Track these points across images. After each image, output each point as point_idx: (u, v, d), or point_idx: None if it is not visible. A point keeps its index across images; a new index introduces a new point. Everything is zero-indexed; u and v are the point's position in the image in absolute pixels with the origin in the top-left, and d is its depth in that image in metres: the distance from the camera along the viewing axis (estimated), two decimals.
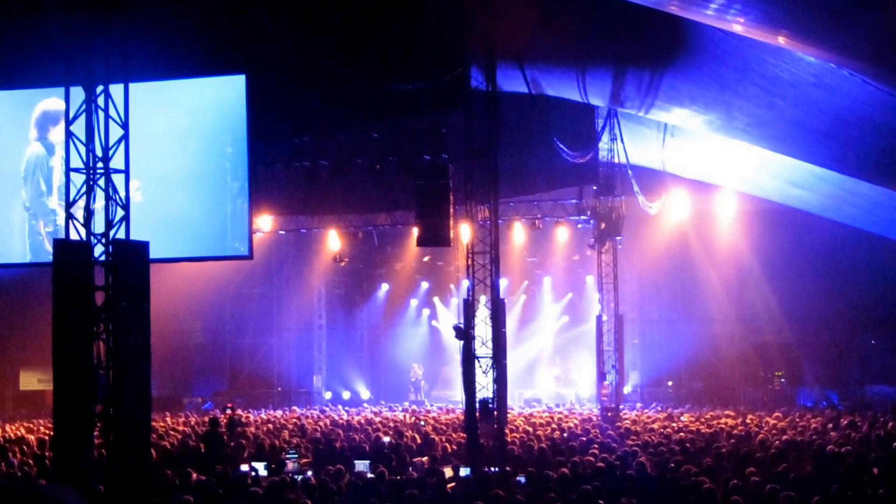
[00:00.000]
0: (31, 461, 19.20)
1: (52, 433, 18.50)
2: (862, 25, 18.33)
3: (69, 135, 15.35)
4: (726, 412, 28.62)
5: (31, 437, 23.33)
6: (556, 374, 40.02)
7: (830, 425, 23.29)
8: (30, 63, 20.60)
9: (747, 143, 26.12)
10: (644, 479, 15.85)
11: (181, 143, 21.62)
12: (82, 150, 15.31)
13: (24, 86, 21.31)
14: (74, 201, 15.34)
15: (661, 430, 23.51)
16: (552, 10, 21.89)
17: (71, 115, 15.43)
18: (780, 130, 24.48)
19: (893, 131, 22.09)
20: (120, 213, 15.38)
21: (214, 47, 22.00)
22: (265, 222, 33.27)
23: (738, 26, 20.02)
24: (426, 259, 40.13)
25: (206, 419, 25.67)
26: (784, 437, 20.48)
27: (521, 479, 16.56)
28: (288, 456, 19.81)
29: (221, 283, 37.78)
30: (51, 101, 20.59)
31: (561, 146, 26.52)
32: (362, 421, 27.16)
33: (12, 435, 24.34)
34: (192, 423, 27.43)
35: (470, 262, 23.76)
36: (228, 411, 25.42)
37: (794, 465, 16.59)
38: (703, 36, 21.57)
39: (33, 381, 36.26)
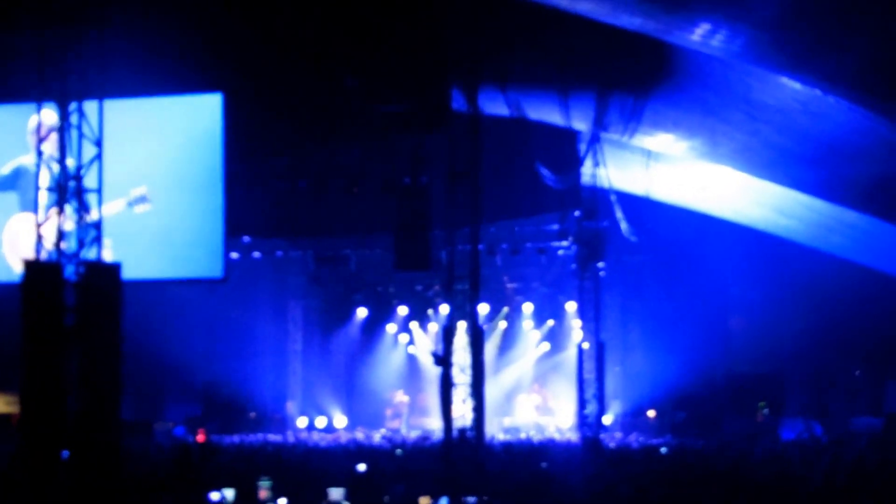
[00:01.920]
0: None
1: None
2: (848, 52, 18.29)
3: (40, 152, 15.06)
4: (709, 443, 28.31)
5: None
6: (535, 403, 39.67)
7: (815, 458, 23.01)
8: (4, 79, 20.33)
9: (732, 169, 25.99)
10: None
11: (156, 162, 21.31)
12: (55, 167, 14.99)
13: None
14: (45, 220, 15.02)
15: (644, 460, 23.26)
16: (535, 33, 21.77)
17: (43, 131, 15.14)
18: (766, 157, 24.37)
19: (880, 159, 22.03)
20: (92, 233, 15.06)
21: (191, 65, 21.75)
22: (240, 244, 32.94)
23: (723, 52, 19.95)
24: (405, 283, 39.79)
25: (178, 445, 25.30)
26: (769, 470, 20.22)
27: None
28: (261, 483, 19.45)
29: (195, 306, 37.27)
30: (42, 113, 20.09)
31: (543, 170, 26.28)
32: (337, 448, 26.82)
33: None
34: (164, 448, 27.03)
35: (449, 287, 23.49)
36: (200, 437, 25.07)
37: (780, 498, 16.36)
38: (687, 61, 21.51)
39: (1, 403, 35.71)
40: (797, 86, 20.51)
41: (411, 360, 41.86)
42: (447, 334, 23.07)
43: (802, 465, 21.58)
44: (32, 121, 18.03)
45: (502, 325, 40.69)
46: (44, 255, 14.87)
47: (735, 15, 18.70)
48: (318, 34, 22.07)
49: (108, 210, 19.27)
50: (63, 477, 14.65)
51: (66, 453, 14.68)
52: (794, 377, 36.62)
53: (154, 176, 21.19)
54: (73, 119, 14.94)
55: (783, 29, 18.62)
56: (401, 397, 40.18)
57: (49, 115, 15.29)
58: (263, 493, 18.59)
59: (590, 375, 30.62)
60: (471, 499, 17.85)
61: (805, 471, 20.52)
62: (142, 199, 20.71)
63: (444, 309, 24.90)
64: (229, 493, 18.37)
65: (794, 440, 30.52)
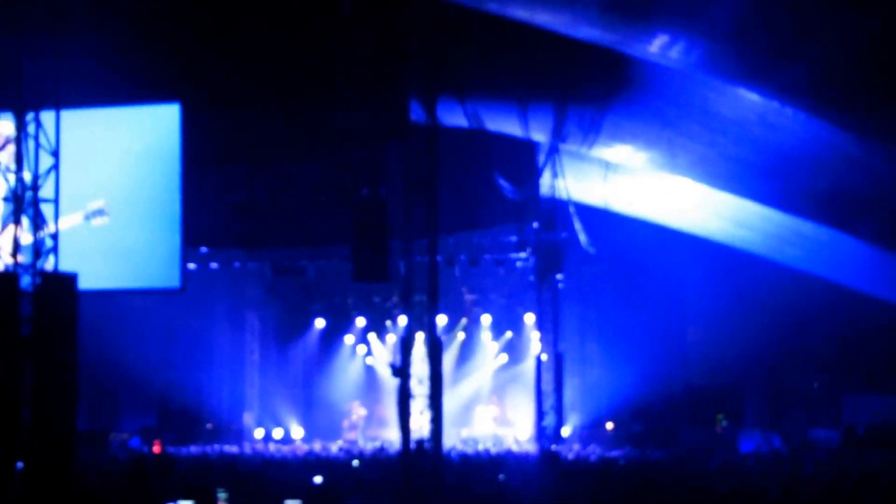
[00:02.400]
0: None
1: None
2: (804, 64, 18.41)
3: None
4: (667, 455, 28.34)
5: None
6: (493, 414, 39.58)
7: (773, 470, 23.10)
8: None
9: (690, 181, 26.07)
10: None
11: (114, 172, 21.16)
12: (11, 178, 14.88)
13: None
14: (1, 231, 14.91)
15: (601, 472, 23.24)
16: (494, 45, 21.78)
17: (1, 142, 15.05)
18: (723, 169, 24.46)
19: (836, 170, 22.17)
20: (49, 243, 14.96)
21: (149, 75, 21.63)
22: (198, 255, 32.80)
23: (681, 64, 20.02)
24: (363, 294, 39.65)
25: (133, 456, 25.14)
26: (727, 482, 20.24)
27: None
28: (219, 495, 19.34)
29: (152, 316, 37.06)
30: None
31: (502, 182, 26.29)
32: (294, 459, 26.70)
33: None
34: (119, 459, 26.85)
35: (407, 298, 23.47)
36: (156, 448, 24.91)
37: None
38: (646, 72, 21.58)
39: None
40: (754, 97, 20.63)
41: (369, 372, 41.70)
42: (405, 345, 23.05)
43: (760, 477, 21.65)
44: None
45: (460, 336, 40.58)
46: (0, 266, 14.75)
47: (692, 27, 18.77)
48: (276, 45, 22.02)
49: (65, 223, 19.13)
50: (18, 488, 14.52)
51: (20, 464, 14.57)
52: (752, 389, 36.74)
53: (112, 186, 21.01)
54: (30, 129, 14.83)
55: (740, 41, 18.73)
56: (358, 409, 40.02)
57: (5, 126, 15.18)
58: None
59: (548, 387, 30.65)
60: None
61: (763, 483, 20.59)
62: (99, 213, 20.54)
63: (403, 320, 24.82)
64: None
65: (753, 452, 30.60)
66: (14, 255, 14.60)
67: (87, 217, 20.43)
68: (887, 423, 32.10)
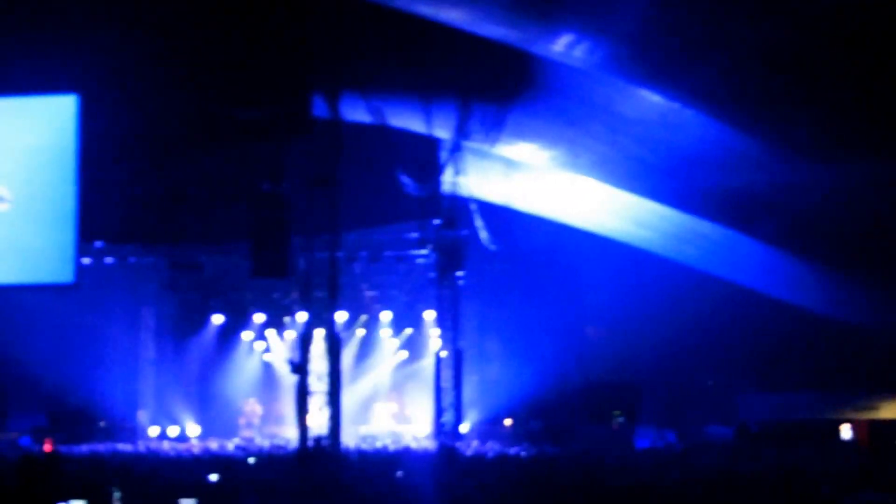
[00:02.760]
0: None
1: None
2: (704, 66, 18.57)
3: None
4: (564, 451, 28.42)
5: None
6: (392, 411, 39.53)
7: (667, 466, 23.23)
8: None
9: (592, 179, 26.16)
10: None
11: (7, 163, 20.73)
12: None
13: None
14: None
15: (500, 469, 23.21)
16: (398, 40, 21.67)
17: None
18: (624, 168, 24.62)
19: (735, 171, 22.47)
20: None
21: (46, 65, 21.23)
22: (93, 249, 32.29)
23: (584, 64, 20.08)
24: (262, 290, 39.35)
25: (23, 455, 24.60)
26: (623, 477, 20.32)
27: None
28: (111, 494, 19.03)
29: (43, 311, 36.41)
30: None
31: (404, 178, 26.17)
32: (189, 457, 26.39)
33: None
34: (8, 459, 26.32)
35: (307, 294, 23.32)
36: (47, 447, 24.45)
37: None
38: (550, 72, 21.63)
39: None
40: (656, 98, 20.75)
41: (267, 368, 41.41)
42: (304, 342, 22.92)
43: (655, 473, 21.79)
44: None
45: (360, 333, 40.45)
46: None
47: (596, 27, 18.83)
48: (177, 37, 21.71)
49: None
50: None
51: None
52: (648, 386, 36.97)
53: (5, 177, 20.61)
54: None
55: (643, 43, 18.83)
56: (255, 406, 39.71)
57: None
58: None
59: (447, 384, 30.58)
60: None
61: (658, 478, 20.73)
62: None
63: (302, 316, 24.65)
64: None
65: (648, 448, 30.84)
66: None
67: None
68: (779, 420, 32.61)
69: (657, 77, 20.19)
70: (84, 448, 31.74)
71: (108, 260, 34.33)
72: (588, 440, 33.68)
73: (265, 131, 23.00)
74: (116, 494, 19.04)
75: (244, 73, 21.93)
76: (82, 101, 20.32)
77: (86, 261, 31.10)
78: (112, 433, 37.79)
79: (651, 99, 20.92)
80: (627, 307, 34.79)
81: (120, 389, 39.92)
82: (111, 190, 26.45)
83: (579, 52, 19.46)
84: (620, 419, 36.78)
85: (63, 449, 28.99)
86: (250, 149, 25.06)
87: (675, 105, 20.71)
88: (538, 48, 20.44)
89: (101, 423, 38.67)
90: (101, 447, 32.09)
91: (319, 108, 22.67)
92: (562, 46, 19.43)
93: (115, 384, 39.85)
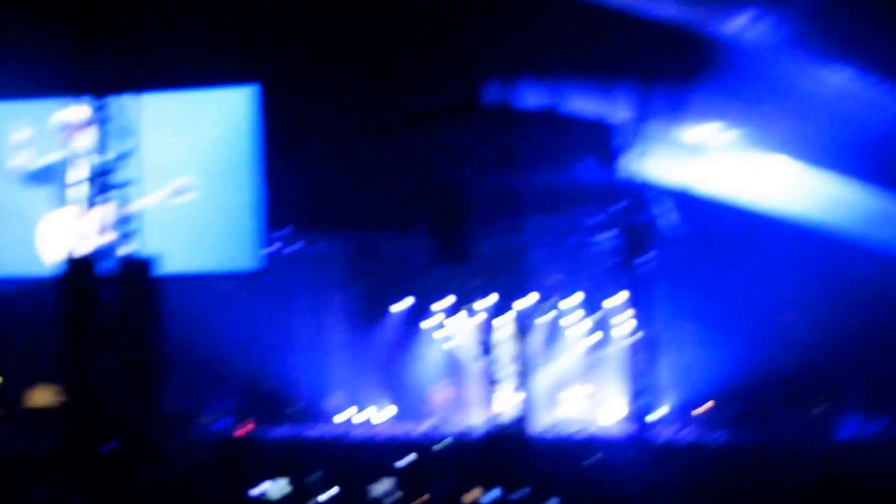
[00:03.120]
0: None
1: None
2: (893, 39, 18.13)
3: (75, 147, 15.13)
4: (765, 438, 28.02)
5: None
6: (583, 396, 39.42)
7: (874, 455, 22.73)
8: (39, 73, 20.34)
9: (779, 160, 25.77)
10: None
11: (193, 155, 21.30)
12: (91, 161, 15.03)
13: (33, 96, 21.08)
14: (82, 214, 15.06)
15: (697, 455, 23.04)
16: (571, 23, 21.63)
17: (79, 125, 15.22)
18: (814, 147, 24.20)
19: None
20: (130, 226, 15.08)
21: (227, 57, 21.74)
22: (279, 236, 32.99)
23: (767, 41, 19.80)
24: (445, 277, 39.64)
25: (220, 438, 25.35)
26: (828, 467, 19.95)
27: (552, 502, 16.20)
28: (308, 476, 19.51)
29: (235, 298, 37.34)
30: (73, 110, 20.05)
31: (585, 162, 26.13)
32: (383, 440, 26.78)
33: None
34: (206, 442, 27.08)
35: (491, 280, 23.46)
36: (243, 430, 25.09)
37: (839, 496, 16.14)
38: (732, 50, 21.32)
39: (43, 397, 35.89)
40: (845, 74, 20.31)
41: (453, 354, 41.74)
42: (489, 328, 23.01)
43: (860, 463, 21.36)
44: (67, 115, 18.09)
45: (547, 318, 40.48)
46: (81, 250, 14.89)
47: (778, 3, 18.54)
48: (353, 27, 22.00)
49: (149, 202, 19.36)
50: (104, 471, 14.68)
51: (107, 447, 14.72)
52: (851, 373, 36.16)
53: (192, 169, 21.19)
54: (109, 112, 14.95)
55: (828, 16, 18.45)
56: (442, 391, 40.05)
57: (84, 110, 15.32)
58: (310, 486, 18.57)
59: (639, 369, 30.43)
60: (518, 492, 17.78)
61: (863, 468, 20.31)
62: (183, 191, 20.71)
63: (486, 302, 24.80)
64: (273, 487, 18.37)
65: (852, 438, 30.20)
66: (94, 239, 14.73)
67: (171, 195, 20.61)
68: None
69: (844, 52, 19.78)
70: (278, 431, 32.50)
71: (294, 246, 35.03)
72: (788, 428, 33.19)
73: (441, 118, 23.18)
74: (315, 475, 19.51)
75: (419, 61, 22.12)
76: (263, 91, 20.73)
77: (272, 248, 31.82)
78: (304, 417, 38.57)
79: (839, 74, 20.52)
80: (826, 289, 34.04)
81: (310, 374, 40.70)
82: (294, 177, 27.03)
83: (761, 30, 19.19)
84: (822, 406, 36.10)
85: (258, 432, 29.74)
86: (427, 136, 25.30)
87: (866, 79, 20.28)
88: (718, 27, 20.22)
89: (294, 407, 39.50)
90: (295, 430, 32.80)
91: (495, 94, 22.73)
92: (742, 24, 19.19)
93: (305, 369, 40.65)
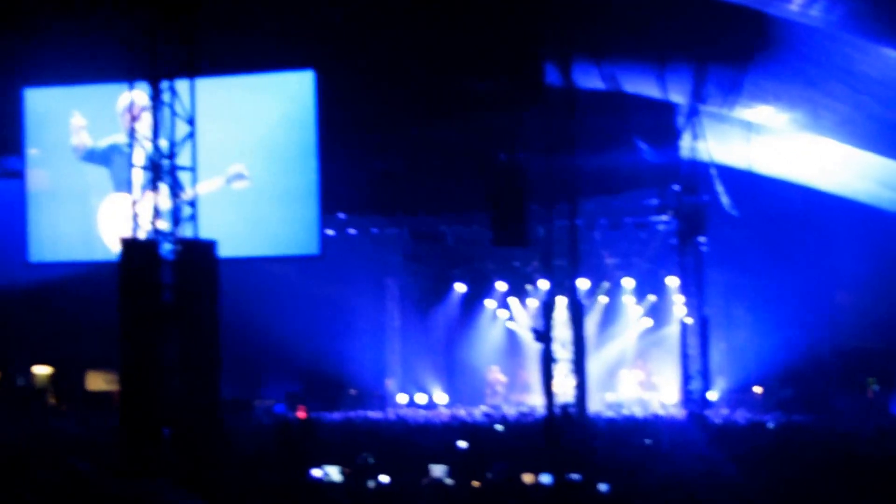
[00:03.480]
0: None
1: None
2: None
3: (133, 131, 15.22)
4: (817, 420, 27.88)
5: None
6: (638, 379, 39.36)
7: None
8: (101, 58, 20.47)
9: (835, 141, 25.61)
10: (734, 489, 15.40)
11: (251, 140, 21.37)
12: (148, 146, 15.12)
13: (95, 81, 21.23)
14: (140, 198, 15.16)
15: (751, 438, 22.95)
16: (630, 4, 21.57)
17: (136, 110, 15.32)
18: (869, 129, 24.00)
19: None
20: (187, 210, 15.17)
21: (283, 42, 21.79)
22: (336, 221, 33.11)
23: (822, 22, 19.67)
24: (503, 259, 39.68)
25: (279, 422, 25.49)
26: (880, 448, 19.80)
27: (605, 486, 16.17)
28: (364, 459, 19.55)
29: (293, 283, 37.50)
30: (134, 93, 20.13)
31: (641, 144, 26.05)
32: (438, 424, 26.84)
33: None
34: (265, 425, 27.25)
35: (548, 263, 23.44)
36: (301, 414, 25.22)
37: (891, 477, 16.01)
38: (787, 32, 21.22)
39: (100, 382, 36.21)
40: None
41: (511, 336, 41.75)
42: (547, 310, 23.03)
43: None
44: (125, 99, 18.22)
45: (603, 300, 40.41)
46: (140, 234, 15.00)
47: None
48: (410, 11, 21.98)
49: (207, 187, 19.49)
50: (166, 455, 14.78)
51: (168, 431, 14.81)
52: None
53: (249, 154, 21.30)
54: (166, 97, 15.03)
55: None
56: (498, 374, 40.09)
57: (142, 94, 15.41)
58: (365, 470, 18.60)
59: (693, 351, 30.36)
60: (575, 475, 17.78)
61: None
62: (240, 176, 20.82)
63: (544, 284, 24.79)
64: (332, 470, 18.46)
65: None
66: (153, 222, 14.83)
67: (229, 181, 20.72)
68: None
69: None
70: (336, 415, 32.68)
71: (352, 231, 35.15)
72: (842, 409, 33.02)
73: (500, 101, 23.15)
74: (369, 460, 19.58)
75: (478, 43, 22.10)
76: (320, 76, 20.73)
77: (330, 232, 31.94)
78: (362, 400, 38.76)
79: (894, 56, 20.36)
80: (879, 271, 33.88)
81: (368, 358, 40.89)
82: (352, 162, 27.08)
83: (816, 11, 19.03)
84: (876, 387, 35.88)
85: (316, 416, 29.90)
86: (486, 119, 25.26)
87: None
88: (774, 8, 20.05)
89: (352, 391, 39.69)
90: (352, 414, 32.98)
91: (553, 76, 22.68)
92: (798, 5, 19.03)
93: (363, 353, 40.84)
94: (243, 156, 21.25)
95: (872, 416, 29.71)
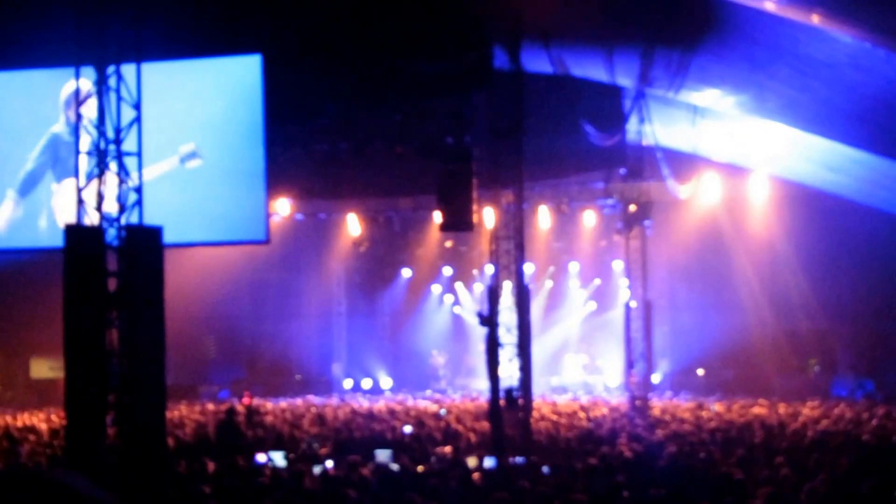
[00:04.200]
0: (43, 450, 18.96)
1: (63, 422, 18.16)
2: (894, 3, 18.10)
3: (79, 117, 15.00)
4: (758, 402, 28.09)
5: (43, 427, 23.10)
6: (582, 362, 39.55)
7: (866, 415, 22.76)
8: (42, 43, 20.17)
9: (780, 124, 25.73)
10: (674, 470, 15.43)
11: (197, 125, 21.12)
12: (93, 132, 14.91)
13: (34, 66, 20.91)
14: (86, 185, 14.95)
15: (692, 419, 23.08)
16: None
17: (81, 96, 15.10)
18: (814, 112, 24.09)
19: None
20: (133, 196, 14.97)
21: (230, 26, 21.55)
22: (283, 206, 33.01)
23: (770, 5, 19.72)
24: (449, 244, 39.73)
25: (223, 408, 25.39)
26: (818, 428, 19.96)
27: (547, 469, 16.17)
28: (310, 446, 19.51)
29: (238, 269, 37.46)
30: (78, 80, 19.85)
31: (588, 128, 26.05)
32: (383, 410, 26.84)
33: (21, 424, 24.20)
34: (209, 412, 27.15)
35: (494, 247, 23.39)
36: (246, 400, 25.12)
37: (829, 456, 16.14)
38: (734, 15, 21.28)
39: (45, 368, 36.01)
40: (846, 39, 20.24)
41: (456, 321, 41.84)
42: (492, 294, 22.95)
43: (853, 422, 21.44)
44: (69, 86, 17.96)
45: (548, 284, 40.57)
46: (86, 220, 14.80)
47: None
48: None
49: (161, 169, 19.31)
50: (109, 441, 14.63)
51: (110, 419, 14.66)
52: (844, 334, 36.34)
53: (195, 139, 21.00)
54: (112, 83, 14.82)
55: None
56: (442, 358, 40.18)
57: (89, 80, 15.19)
58: (309, 456, 18.52)
59: (637, 334, 30.49)
60: (518, 459, 17.79)
61: (855, 427, 20.39)
62: (193, 155, 20.56)
63: (490, 269, 24.77)
64: (277, 456, 18.39)
65: (846, 397, 30.33)
66: (99, 209, 14.63)
67: (182, 160, 20.49)
68: None
69: (846, 16, 19.70)
70: (281, 401, 32.62)
71: (298, 216, 35.07)
72: (783, 389, 33.32)
73: (448, 84, 23.02)
74: (314, 446, 19.51)
75: (426, 26, 21.97)
76: (266, 61, 20.48)
77: (276, 218, 31.82)
78: (308, 386, 38.74)
79: (840, 40, 20.44)
80: (821, 253, 34.20)
81: (314, 344, 40.89)
82: (298, 147, 26.92)
83: None
84: (816, 368, 36.24)
85: (261, 401, 29.86)
86: (434, 102, 25.14)
87: (866, 45, 20.18)
88: None
89: (297, 377, 39.68)
90: (297, 400, 32.94)
91: (501, 59, 22.61)
92: None
93: (309, 338, 40.84)
94: (189, 140, 20.96)
95: (812, 396, 30.00)
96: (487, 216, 25.88)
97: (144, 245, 14.80)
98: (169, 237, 15.16)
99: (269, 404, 30.07)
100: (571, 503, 12.54)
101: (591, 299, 40.46)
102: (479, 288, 39.32)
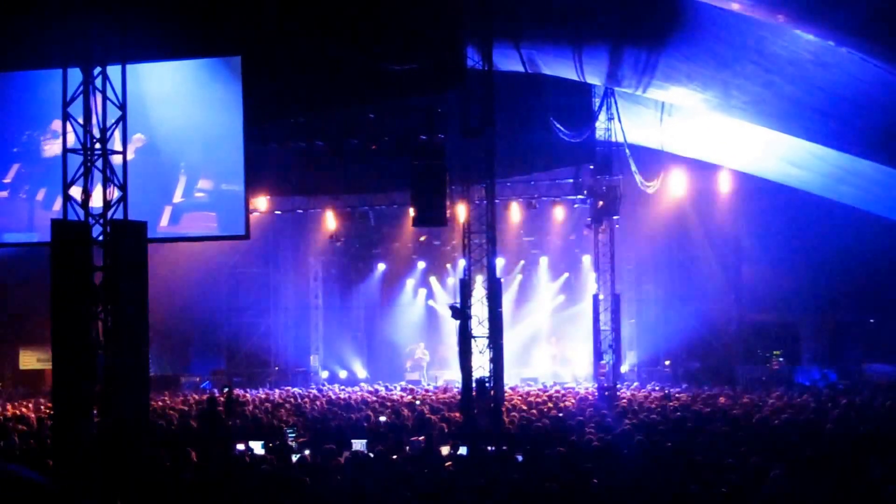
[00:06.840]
0: (31, 440, 19.16)
1: (51, 411, 18.49)
2: (859, 3, 18.30)
3: (66, 116, 15.33)
4: (723, 392, 28.51)
5: (32, 416, 23.31)
6: (552, 354, 39.95)
7: (829, 404, 23.13)
8: (28, 44, 20.37)
9: (745, 121, 26.04)
10: (641, 458, 15.78)
11: (178, 124, 21.38)
12: (80, 130, 15.26)
13: (21, 67, 21.12)
14: (72, 182, 15.30)
15: (659, 409, 23.37)
16: None
17: (68, 95, 15.41)
18: (779, 109, 24.40)
19: (892, 109, 22.05)
20: (117, 193, 15.33)
21: (210, 28, 21.78)
22: (261, 202, 33.39)
23: (736, 4, 19.97)
24: (422, 239, 40.09)
25: (205, 398, 25.65)
26: (782, 417, 20.33)
27: (519, 458, 16.50)
28: (287, 435, 19.75)
29: (219, 263, 37.81)
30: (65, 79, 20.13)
31: (557, 125, 26.42)
32: (359, 400, 27.11)
33: (11, 414, 24.36)
34: (191, 402, 27.40)
35: (466, 241, 23.71)
36: (226, 390, 25.37)
37: (792, 445, 16.53)
38: (701, 14, 21.52)
39: (33, 360, 36.32)
40: (810, 37, 20.52)
41: (430, 314, 42.22)
42: (464, 288, 23.30)
43: (816, 412, 21.76)
44: (58, 85, 18.27)
45: (519, 278, 40.98)
46: (73, 216, 15.13)
47: None
48: None
49: (136, 168, 19.59)
50: (93, 431, 14.94)
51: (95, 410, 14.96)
52: (808, 326, 36.87)
53: (178, 138, 21.28)
54: (98, 83, 15.16)
55: None
56: (419, 350, 40.51)
57: (75, 80, 15.49)
58: (288, 444, 18.82)
59: (606, 327, 30.95)
60: (489, 448, 18.09)
61: (819, 416, 20.71)
62: (165, 155, 20.84)
63: (462, 263, 25.12)
64: (255, 445, 18.68)
65: (809, 387, 30.73)
66: (85, 205, 14.96)
67: (158, 160, 20.77)
68: None
69: (810, 15, 19.95)
70: (260, 391, 32.92)
71: (276, 212, 35.41)
72: (748, 380, 33.75)
73: (421, 83, 23.26)
74: (291, 435, 19.80)
75: (399, 26, 22.15)
76: (245, 61, 20.72)
77: (255, 213, 32.12)
78: (286, 377, 39.11)
79: (804, 37, 20.70)
80: (785, 247, 34.60)
81: (292, 336, 41.23)
82: (276, 145, 27.26)
83: None
84: (780, 359, 36.72)
85: (240, 392, 30.06)
86: (407, 100, 25.47)
87: (829, 43, 20.45)
88: None
89: (275, 368, 40.02)
90: (275, 390, 33.24)
91: (473, 58, 22.87)
92: None
93: (287, 331, 41.17)
94: (173, 139, 21.22)
95: (776, 386, 30.40)
96: (460, 211, 26.18)
97: (129, 240, 15.13)
98: (152, 232, 15.51)
99: (248, 395, 30.32)
100: (542, 491, 12.91)
101: (561, 292, 40.88)
102: (452, 281, 39.72)
